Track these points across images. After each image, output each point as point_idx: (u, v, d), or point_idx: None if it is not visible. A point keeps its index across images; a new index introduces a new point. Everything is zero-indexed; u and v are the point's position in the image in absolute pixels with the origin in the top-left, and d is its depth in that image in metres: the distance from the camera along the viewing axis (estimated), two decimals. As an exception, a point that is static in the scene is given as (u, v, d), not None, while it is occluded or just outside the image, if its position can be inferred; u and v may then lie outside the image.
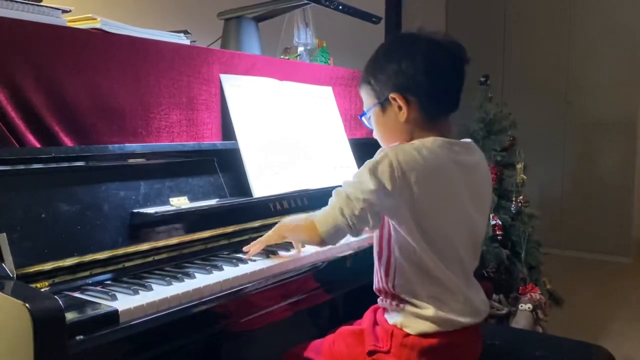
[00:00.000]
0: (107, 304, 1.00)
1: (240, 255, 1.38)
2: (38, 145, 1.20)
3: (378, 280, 1.22)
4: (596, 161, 4.64)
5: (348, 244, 1.47)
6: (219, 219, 1.42)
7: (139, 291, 1.08)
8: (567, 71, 4.72)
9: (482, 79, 2.81)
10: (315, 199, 1.71)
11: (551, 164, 4.72)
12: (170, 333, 1.07)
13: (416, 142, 1.14)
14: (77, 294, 1.08)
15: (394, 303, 1.18)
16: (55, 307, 0.89)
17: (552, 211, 4.53)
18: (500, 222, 2.63)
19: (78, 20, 1.37)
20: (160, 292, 1.09)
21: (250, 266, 1.29)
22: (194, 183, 1.45)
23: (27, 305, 0.85)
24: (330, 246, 1.23)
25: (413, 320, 1.16)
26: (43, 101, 1.22)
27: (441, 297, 1.15)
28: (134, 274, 1.22)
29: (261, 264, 1.31)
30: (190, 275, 1.19)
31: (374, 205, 1.09)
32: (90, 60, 1.31)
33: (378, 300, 1.25)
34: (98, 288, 1.12)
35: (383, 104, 1.21)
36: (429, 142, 1.13)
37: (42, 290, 1.05)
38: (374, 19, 2.21)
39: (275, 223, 1.56)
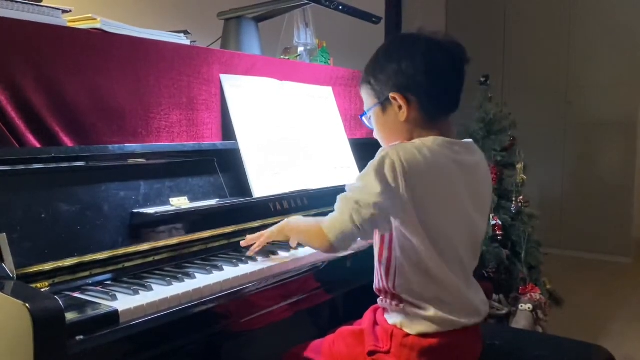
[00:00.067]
0: (107, 304, 1.00)
1: (240, 255, 1.38)
2: (38, 146, 1.20)
3: (378, 280, 1.22)
4: (596, 161, 4.64)
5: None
6: (219, 219, 1.42)
7: (139, 291, 1.09)
8: (567, 71, 4.72)
9: (482, 79, 2.81)
10: (315, 199, 1.71)
11: (551, 164, 4.72)
12: (170, 333, 1.07)
13: (417, 142, 1.14)
14: (77, 294, 1.08)
15: (394, 303, 1.18)
16: (55, 307, 0.89)
17: (552, 211, 4.53)
18: (500, 222, 2.63)
19: (78, 20, 1.37)
20: (161, 292, 1.10)
21: (250, 266, 1.29)
22: (194, 183, 1.45)
23: (27, 305, 0.85)
24: (342, 253, 1.20)
25: (413, 320, 1.16)
26: (43, 101, 1.22)
27: (441, 297, 1.15)
28: (134, 274, 1.22)
29: (261, 264, 1.31)
30: (190, 276, 1.19)
31: (383, 208, 1.08)
32: (90, 61, 1.31)
33: (378, 300, 1.25)
34: (98, 288, 1.12)
35: (383, 104, 1.21)
36: (429, 142, 1.14)
37: (42, 290, 1.05)
38: (374, 19, 2.21)
39: (276, 223, 1.57)
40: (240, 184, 1.55)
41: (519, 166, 2.73)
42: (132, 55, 1.40)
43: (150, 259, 1.27)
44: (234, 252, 1.42)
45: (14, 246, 1.03)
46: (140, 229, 1.26)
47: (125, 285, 1.13)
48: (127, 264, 1.22)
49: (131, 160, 1.33)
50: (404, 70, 1.16)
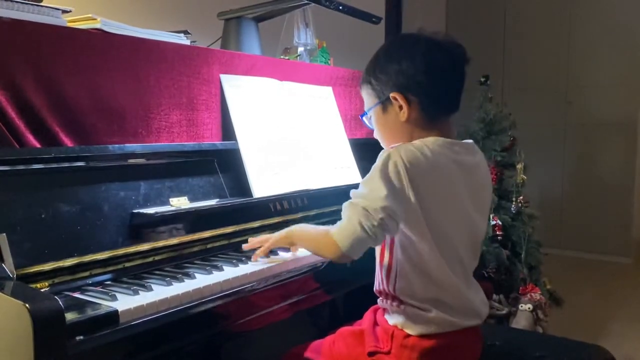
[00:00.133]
0: (107, 305, 1.00)
1: (240, 255, 1.38)
2: (38, 146, 1.20)
3: (379, 282, 1.22)
4: (596, 161, 4.64)
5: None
6: (219, 219, 1.42)
7: (139, 291, 1.08)
8: (567, 71, 4.72)
9: (482, 79, 2.81)
10: (315, 199, 1.71)
11: (551, 164, 4.72)
12: (170, 333, 1.07)
13: (417, 142, 1.14)
14: (77, 295, 1.08)
15: (394, 304, 1.18)
16: (55, 307, 0.89)
17: (552, 211, 4.53)
18: (500, 223, 2.63)
19: (78, 20, 1.37)
20: (160, 292, 1.09)
21: (250, 266, 1.29)
22: (194, 183, 1.45)
23: (27, 305, 0.85)
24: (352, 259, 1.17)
25: (414, 321, 1.15)
26: (43, 101, 1.22)
27: (442, 299, 1.15)
28: (134, 274, 1.22)
29: (261, 264, 1.31)
30: (190, 276, 1.19)
31: (392, 212, 1.08)
32: (90, 61, 1.31)
33: (378, 300, 1.25)
34: (98, 288, 1.12)
35: (384, 104, 1.21)
36: (430, 142, 1.13)
37: (42, 290, 1.05)
38: (374, 19, 2.21)
39: (276, 223, 1.57)
40: (240, 184, 1.55)
41: (519, 166, 2.73)
42: (132, 55, 1.39)
43: (150, 259, 1.27)
44: (234, 252, 1.42)
45: (14, 246, 1.03)
46: (140, 229, 1.26)
47: (125, 286, 1.13)
48: (127, 264, 1.22)
49: (131, 160, 1.33)
50: (404, 70, 1.16)
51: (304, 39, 2.20)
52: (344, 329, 1.29)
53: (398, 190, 1.08)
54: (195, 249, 1.37)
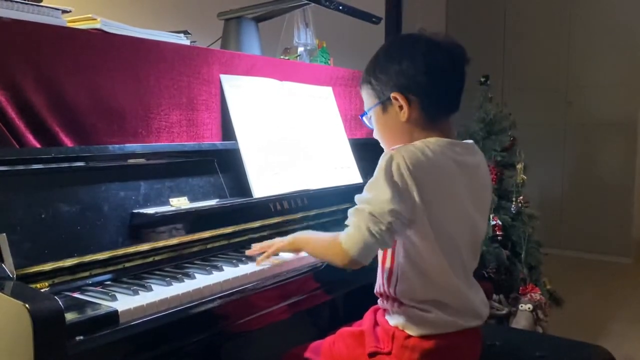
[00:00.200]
0: (107, 305, 1.00)
1: (240, 255, 1.38)
2: (38, 146, 1.20)
3: (379, 285, 1.22)
4: (596, 161, 4.64)
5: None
6: (219, 220, 1.42)
7: (139, 291, 1.09)
8: (567, 71, 4.72)
9: (482, 79, 2.81)
10: (315, 199, 1.71)
11: (551, 164, 4.72)
12: (170, 333, 1.07)
13: (418, 143, 1.13)
14: (77, 295, 1.08)
15: (395, 304, 1.18)
16: (55, 307, 0.89)
17: (552, 211, 4.53)
18: (500, 223, 2.63)
19: (78, 20, 1.37)
20: (160, 292, 1.10)
21: (250, 267, 1.29)
22: (194, 183, 1.45)
23: (27, 305, 0.85)
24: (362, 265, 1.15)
25: (415, 322, 1.15)
26: (43, 101, 1.22)
27: (442, 300, 1.15)
28: (134, 275, 1.22)
29: (261, 264, 1.31)
30: (190, 276, 1.19)
31: (399, 214, 1.07)
32: (90, 61, 1.31)
33: (378, 301, 1.25)
34: (98, 288, 1.12)
35: (384, 104, 1.21)
36: (431, 143, 1.13)
37: (42, 290, 1.05)
38: (374, 19, 2.21)
39: (276, 223, 1.57)
40: (240, 184, 1.55)
41: (519, 166, 2.73)
42: (132, 55, 1.39)
43: (150, 259, 1.27)
44: (234, 252, 1.42)
45: (14, 246, 1.03)
46: (140, 229, 1.26)
47: (125, 286, 1.13)
48: (127, 264, 1.22)
49: (131, 161, 1.33)
50: (404, 71, 1.16)
51: (304, 39, 2.20)
52: (344, 330, 1.29)
53: (403, 192, 1.07)
54: (195, 249, 1.37)
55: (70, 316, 0.92)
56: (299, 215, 1.66)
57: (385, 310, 1.22)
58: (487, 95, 2.83)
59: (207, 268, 1.25)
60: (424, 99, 1.17)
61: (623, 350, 2.66)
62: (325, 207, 1.75)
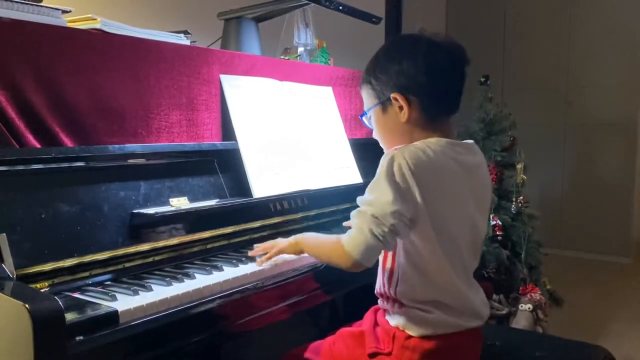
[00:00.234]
0: (107, 305, 1.00)
1: (240, 255, 1.38)
2: (38, 146, 1.20)
3: (380, 285, 1.22)
4: (596, 161, 4.64)
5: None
6: (219, 220, 1.42)
7: (139, 292, 1.09)
8: (567, 71, 4.72)
9: (482, 79, 2.81)
10: (315, 199, 1.71)
11: (551, 164, 4.72)
12: (170, 334, 1.07)
13: (419, 143, 1.13)
14: (77, 295, 1.08)
15: (396, 305, 1.18)
16: (55, 307, 0.89)
17: (552, 211, 4.53)
18: (500, 223, 2.63)
19: (78, 20, 1.37)
20: (160, 292, 1.10)
21: (250, 267, 1.29)
22: (194, 183, 1.45)
23: (26, 306, 0.85)
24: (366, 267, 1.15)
25: (415, 322, 1.15)
26: (43, 101, 1.22)
27: (443, 300, 1.15)
28: (134, 275, 1.22)
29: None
30: (190, 276, 1.19)
31: (402, 215, 1.07)
32: (90, 61, 1.31)
33: (379, 301, 1.25)
34: (98, 288, 1.12)
35: (384, 104, 1.21)
36: (432, 143, 1.13)
37: (42, 290, 1.05)
38: (374, 19, 2.21)
39: (276, 223, 1.57)
40: (240, 184, 1.55)
41: (519, 166, 2.73)
42: (132, 55, 1.39)
43: (150, 259, 1.27)
44: (234, 252, 1.42)
45: (14, 246, 1.03)
46: (140, 229, 1.26)
47: (125, 286, 1.13)
48: (127, 264, 1.22)
49: (131, 161, 1.33)
50: (405, 71, 1.16)
51: (304, 39, 2.20)
52: (344, 330, 1.29)
53: (405, 192, 1.07)
54: (195, 249, 1.37)
55: (70, 316, 0.92)
56: (299, 215, 1.66)
57: (385, 310, 1.22)
58: (487, 95, 2.83)
59: (207, 268, 1.25)
60: (424, 100, 1.16)
61: (623, 350, 2.66)
62: (325, 207, 1.75)
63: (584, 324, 3.07)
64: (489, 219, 2.58)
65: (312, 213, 1.70)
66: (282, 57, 2.17)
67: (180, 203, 1.36)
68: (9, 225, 1.05)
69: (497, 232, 2.61)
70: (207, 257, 1.37)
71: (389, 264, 1.18)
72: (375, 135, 1.27)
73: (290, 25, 2.23)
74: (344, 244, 1.12)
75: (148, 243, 1.26)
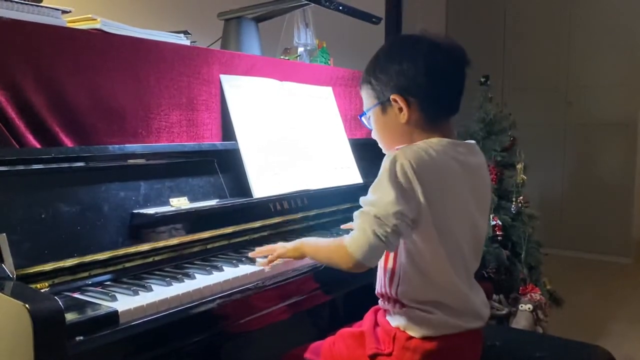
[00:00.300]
0: (107, 305, 1.00)
1: (240, 255, 1.38)
2: (38, 146, 1.20)
3: (381, 285, 1.22)
4: (596, 161, 4.64)
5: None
6: (219, 220, 1.42)
7: (139, 292, 1.08)
8: (567, 71, 4.72)
9: (482, 79, 2.81)
10: (315, 200, 1.71)
11: (551, 164, 4.72)
12: (170, 334, 1.07)
13: (421, 143, 1.13)
14: (77, 295, 1.08)
15: (396, 306, 1.18)
16: (55, 308, 0.89)
17: (552, 211, 4.53)
18: (500, 223, 2.63)
19: (78, 20, 1.37)
20: (160, 292, 1.10)
21: (250, 267, 1.29)
22: (194, 183, 1.45)
23: (27, 306, 0.85)
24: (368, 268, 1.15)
25: (416, 323, 1.15)
26: (43, 101, 1.22)
27: (444, 301, 1.15)
28: (134, 275, 1.22)
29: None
30: (190, 276, 1.19)
31: (404, 215, 1.07)
32: (90, 61, 1.31)
33: (379, 302, 1.25)
34: (98, 289, 1.12)
35: (383, 105, 1.20)
36: (434, 143, 1.13)
37: (42, 291, 1.05)
38: (374, 20, 2.21)
39: (276, 223, 1.57)
40: (240, 184, 1.55)
41: (519, 166, 2.73)
42: (132, 55, 1.39)
43: (150, 259, 1.27)
44: (234, 252, 1.42)
45: (14, 247, 1.03)
46: (140, 229, 1.26)
47: (125, 286, 1.13)
48: (127, 265, 1.22)
49: (131, 161, 1.33)
50: (405, 72, 1.16)
51: (304, 39, 2.20)
52: (344, 330, 1.29)
53: (407, 192, 1.07)
54: (196, 249, 1.37)
55: (70, 316, 0.92)
56: (299, 215, 1.66)
57: (386, 311, 1.22)
58: (487, 95, 2.83)
59: (207, 268, 1.25)
60: (423, 101, 1.16)
61: (623, 350, 2.66)
62: (325, 207, 1.75)
63: (584, 324, 3.07)
64: (489, 219, 2.58)
65: (312, 213, 1.70)
66: (282, 57, 2.18)
67: (180, 203, 1.36)
68: (9, 225, 1.05)
69: (497, 232, 2.61)
70: (207, 257, 1.37)
71: (390, 264, 1.18)
72: (375, 135, 1.27)
73: (290, 25, 2.23)
74: (347, 245, 1.11)
75: (148, 243, 1.26)
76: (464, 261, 1.17)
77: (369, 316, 1.27)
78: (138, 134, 1.42)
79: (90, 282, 1.14)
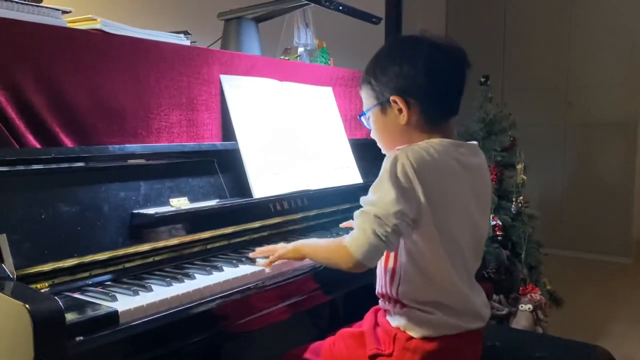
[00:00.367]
0: (107, 305, 1.00)
1: (240, 256, 1.38)
2: (38, 146, 1.20)
3: (381, 285, 1.22)
4: (596, 161, 4.64)
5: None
6: (219, 220, 1.42)
7: (139, 292, 1.08)
8: (567, 71, 4.72)
9: (482, 79, 2.81)
10: (315, 200, 1.71)
11: (551, 164, 4.72)
12: (170, 334, 1.07)
13: (422, 143, 1.13)
14: (77, 295, 1.08)
15: (397, 306, 1.18)
16: (55, 308, 0.89)
17: (552, 211, 4.52)
18: (500, 223, 2.63)
19: (78, 21, 1.37)
20: (160, 292, 1.10)
21: (250, 267, 1.29)
22: (194, 184, 1.45)
23: (27, 306, 0.85)
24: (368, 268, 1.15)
25: (417, 323, 1.15)
26: (43, 102, 1.22)
27: (444, 301, 1.15)
28: (134, 275, 1.22)
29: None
30: (190, 276, 1.19)
31: (404, 215, 1.07)
32: (90, 61, 1.31)
33: (380, 302, 1.25)
34: (98, 289, 1.12)
35: (383, 105, 1.20)
36: (435, 143, 1.13)
37: (42, 291, 1.05)
38: (374, 20, 2.21)
39: (276, 224, 1.57)
40: (240, 184, 1.55)
41: (519, 166, 2.73)
42: (132, 55, 1.39)
43: (150, 259, 1.27)
44: (234, 252, 1.42)
45: (14, 247, 1.03)
46: (140, 229, 1.26)
47: (125, 286, 1.13)
48: (127, 265, 1.22)
49: (131, 161, 1.33)
50: (405, 73, 1.16)
51: (304, 39, 2.20)
52: (344, 331, 1.29)
53: (408, 192, 1.07)
54: (196, 249, 1.37)
55: (70, 316, 0.92)
56: (299, 215, 1.66)
57: (386, 311, 1.22)
58: (487, 95, 2.83)
59: (207, 268, 1.25)
60: (423, 102, 1.16)
61: (623, 350, 2.66)
62: (326, 207, 1.75)
63: (584, 324, 3.07)
64: (490, 220, 2.58)
65: (312, 213, 1.70)
66: (282, 57, 2.18)
67: (180, 203, 1.36)
68: (9, 225, 1.05)
69: (497, 232, 2.61)
70: (207, 257, 1.37)
71: (390, 265, 1.17)
72: (374, 135, 1.27)
73: (290, 26, 2.23)
74: (347, 244, 1.11)
75: (148, 243, 1.26)
76: (465, 261, 1.17)
77: (369, 316, 1.27)
78: (138, 134, 1.42)
79: (90, 282, 1.14)
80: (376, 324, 1.23)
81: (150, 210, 1.28)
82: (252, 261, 1.33)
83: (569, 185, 4.74)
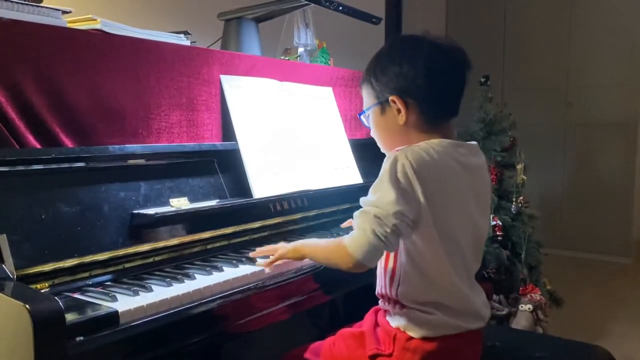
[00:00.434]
0: (107, 305, 1.00)
1: (240, 256, 1.38)
2: (38, 146, 1.20)
3: (381, 286, 1.21)
4: (596, 161, 4.64)
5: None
6: (219, 220, 1.42)
7: (139, 292, 1.08)
8: (567, 71, 4.72)
9: (482, 79, 2.81)
10: (315, 200, 1.71)
11: (551, 164, 4.72)
12: (170, 334, 1.07)
13: (422, 144, 1.13)
14: (77, 295, 1.08)
15: (397, 306, 1.18)
16: (55, 308, 0.89)
17: (552, 211, 4.52)
18: (500, 223, 2.63)
19: (78, 21, 1.37)
20: (161, 293, 1.10)
21: (250, 267, 1.29)
22: (194, 184, 1.45)
23: (27, 306, 0.85)
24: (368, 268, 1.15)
25: (416, 323, 1.15)
26: (43, 102, 1.22)
27: (444, 302, 1.15)
28: (134, 275, 1.22)
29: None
30: (190, 276, 1.19)
31: (404, 216, 1.07)
32: (90, 61, 1.31)
33: (380, 302, 1.25)
34: (98, 289, 1.12)
35: (382, 105, 1.20)
36: (435, 144, 1.13)
37: (42, 291, 1.05)
38: (374, 20, 2.21)
39: (276, 224, 1.57)
40: (240, 184, 1.55)
41: (519, 167, 2.73)
42: (132, 55, 1.39)
43: (150, 259, 1.27)
44: (234, 252, 1.42)
45: (14, 247, 1.03)
46: (140, 229, 1.26)
47: (125, 286, 1.13)
48: (127, 265, 1.22)
49: (131, 161, 1.33)
50: (404, 73, 1.16)
51: (304, 39, 2.20)
52: (344, 331, 1.29)
53: (408, 192, 1.07)
54: (196, 249, 1.37)
55: (70, 317, 0.92)
56: (299, 215, 1.66)
57: (386, 311, 1.22)
58: (487, 96, 2.83)
59: (207, 268, 1.25)
60: (422, 103, 1.16)
61: (623, 350, 2.66)
62: (326, 207, 1.75)
63: (584, 324, 3.07)
64: (490, 220, 2.58)
65: (312, 213, 1.70)
66: (282, 57, 2.18)
67: (180, 203, 1.36)
68: (9, 225, 1.05)
69: (497, 232, 2.61)
70: (207, 257, 1.37)
71: (390, 265, 1.17)
72: (373, 134, 1.27)
73: (290, 26, 2.23)
74: (346, 245, 1.11)
75: (148, 243, 1.26)
76: (465, 261, 1.17)
77: (369, 316, 1.27)
78: (138, 134, 1.42)
79: (90, 283, 1.14)
80: (376, 324, 1.23)
81: (151, 211, 1.28)
82: (252, 261, 1.33)
83: (569, 185, 4.74)
